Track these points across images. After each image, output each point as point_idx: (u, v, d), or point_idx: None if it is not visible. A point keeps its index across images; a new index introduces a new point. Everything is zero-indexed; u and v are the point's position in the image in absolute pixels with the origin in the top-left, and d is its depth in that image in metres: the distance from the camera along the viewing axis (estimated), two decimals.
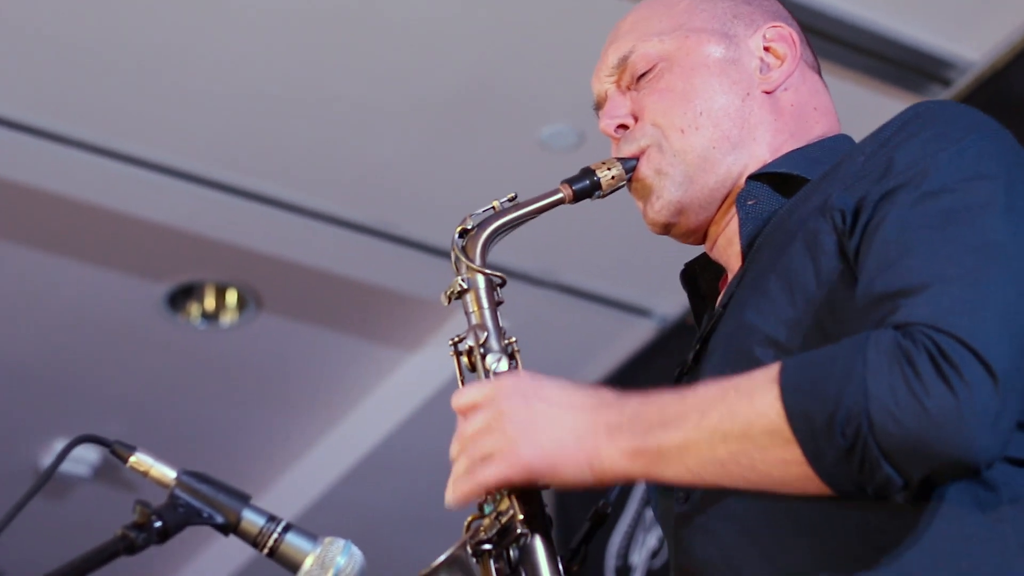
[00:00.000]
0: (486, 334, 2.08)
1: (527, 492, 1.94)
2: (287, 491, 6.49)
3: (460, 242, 2.15)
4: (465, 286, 2.12)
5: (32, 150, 4.86)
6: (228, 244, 5.38)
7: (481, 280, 2.12)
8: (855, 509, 1.79)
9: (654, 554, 5.25)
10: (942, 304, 1.73)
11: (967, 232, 1.80)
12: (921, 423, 1.67)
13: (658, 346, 5.74)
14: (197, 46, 4.62)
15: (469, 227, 2.16)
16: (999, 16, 4.54)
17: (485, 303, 2.11)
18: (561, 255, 5.38)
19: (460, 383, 2.09)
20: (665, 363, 5.64)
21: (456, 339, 2.11)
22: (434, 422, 5.93)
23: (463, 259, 2.13)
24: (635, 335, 5.80)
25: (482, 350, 2.07)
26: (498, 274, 2.13)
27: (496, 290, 2.13)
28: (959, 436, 1.67)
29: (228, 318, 5.83)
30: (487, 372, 2.06)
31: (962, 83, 4.67)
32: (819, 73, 2.30)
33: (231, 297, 5.80)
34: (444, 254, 5.21)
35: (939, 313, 1.72)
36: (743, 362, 1.90)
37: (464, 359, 2.09)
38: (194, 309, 5.80)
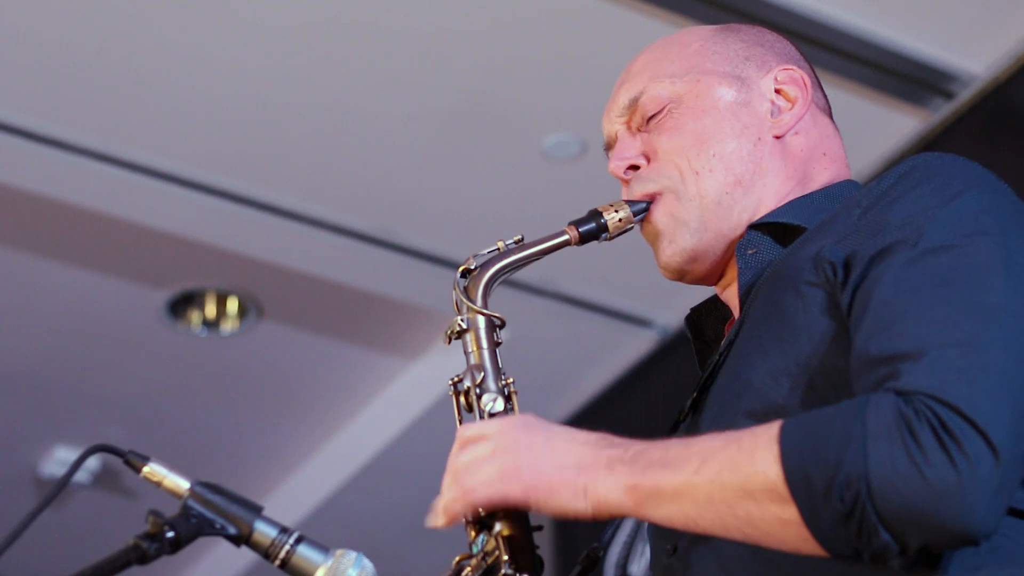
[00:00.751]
0: (483, 375, 2.09)
1: (516, 534, 1.95)
2: (287, 499, 6.48)
3: (462, 282, 2.16)
4: (465, 326, 2.12)
5: (34, 156, 4.86)
6: (229, 252, 5.38)
7: (481, 321, 2.13)
8: (847, 566, 1.78)
9: None
10: (942, 373, 1.72)
11: (965, 293, 1.79)
12: (921, 493, 1.67)
13: (659, 357, 5.73)
14: (200, 54, 4.62)
15: (472, 267, 2.17)
16: (1003, 29, 4.54)
17: (484, 344, 2.12)
18: (562, 265, 5.36)
19: (458, 423, 2.09)
20: (666, 374, 5.64)
21: (455, 379, 2.12)
22: (435, 430, 5.93)
23: (464, 300, 2.14)
24: (636, 345, 5.80)
25: (478, 390, 2.08)
26: (498, 316, 2.13)
27: (496, 331, 2.13)
28: (959, 509, 1.67)
29: (229, 326, 5.83)
30: (482, 412, 2.07)
31: (965, 96, 4.67)
32: (830, 115, 2.29)
33: (232, 305, 5.80)
34: (446, 263, 5.28)
35: (939, 383, 1.71)
36: (735, 416, 1.91)
37: (462, 399, 2.10)
38: (195, 317, 5.80)
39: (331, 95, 4.77)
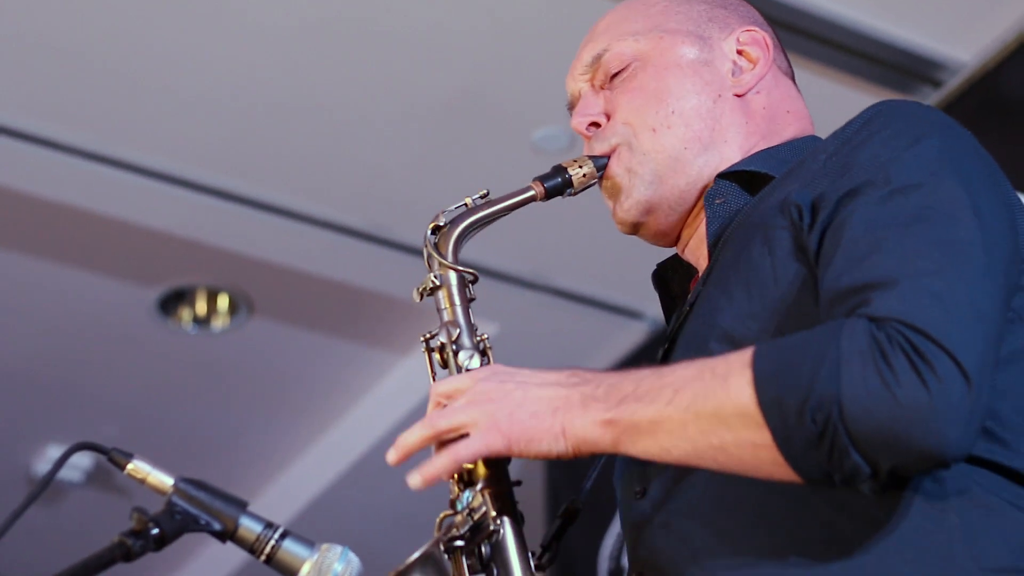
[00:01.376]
0: (458, 331, 2.10)
1: (499, 488, 1.96)
2: (280, 495, 6.48)
3: (432, 239, 2.17)
4: (437, 283, 2.13)
5: (23, 155, 4.86)
6: (220, 249, 5.38)
7: (453, 277, 2.13)
8: (816, 502, 1.81)
9: None
10: (914, 300, 1.74)
11: (934, 228, 1.81)
12: (893, 414, 1.69)
13: (650, 349, 5.73)
14: (190, 52, 4.62)
15: (441, 224, 2.18)
16: (990, 17, 4.55)
17: (457, 300, 2.12)
18: (553, 258, 5.38)
19: (432, 379, 2.10)
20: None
21: (428, 335, 2.13)
22: None
23: (435, 255, 2.14)
24: (627, 338, 5.80)
25: (454, 347, 2.09)
26: (470, 271, 2.14)
27: (468, 287, 2.14)
28: (931, 429, 1.69)
29: (220, 323, 5.83)
30: (459, 368, 2.07)
31: (953, 84, 4.68)
32: (793, 79, 2.30)
33: (223, 302, 5.79)
34: None
35: (912, 309, 1.73)
36: (701, 354, 1.91)
37: (436, 356, 2.11)
38: (186, 314, 5.80)
39: (321, 92, 4.77)
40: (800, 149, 2.15)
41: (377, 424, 6.17)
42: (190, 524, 1.89)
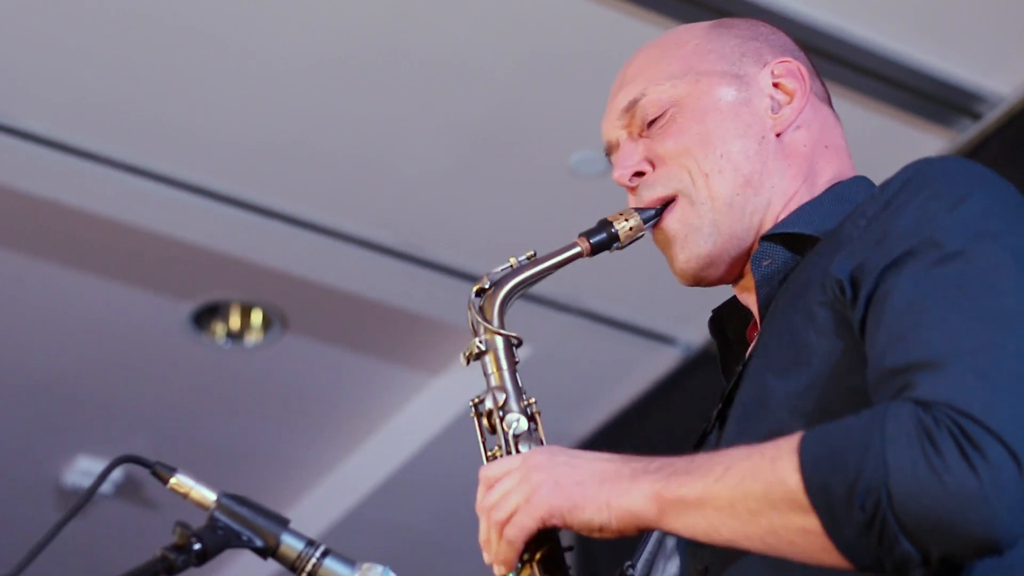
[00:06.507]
0: (504, 396, 2.08)
1: (552, 557, 1.95)
2: (309, 511, 6.48)
3: (477, 302, 2.15)
4: (483, 348, 2.11)
5: (61, 167, 4.88)
6: (254, 264, 5.39)
7: (500, 341, 2.12)
8: None
9: None
10: (959, 381, 1.71)
11: (977, 299, 1.78)
12: (942, 502, 1.66)
13: (682, 375, 5.73)
14: (228, 66, 4.64)
15: (486, 286, 2.15)
16: None
17: (504, 364, 2.11)
18: (586, 281, 5.38)
19: (481, 445, 2.10)
20: (689, 392, 5.64)
21: (476, 400, 2.11)
22: (457, 445, 5.93)
23: (481, 321, 2.12)
24: (659, 363, 5.79)
25: (501, 412, 2.07)
26: (515, 336, 2.12)
27: (514, 350, 2.12)
28: (982, 516, 1.66)
29: (253, 338, 5.84)
30: (506, 433, 2.06)
31: (992, 117, 4.67)
32: (830, 103, 2.28)
33: (256, 317, 5.81)
34: (472, 279, 5.23)
35: (957, 392, 1.71)
36: (753, 430, 1.91)
37: (484, 421, 2.10)
38: (219, 328, 5.81)
39: (359, 110, 4.78)
40: (843, 197, 2.13)
41: (407, 444, 6.17)
42: (232, 540, 1.89)
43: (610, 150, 2.26)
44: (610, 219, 2.19)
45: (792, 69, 2.22)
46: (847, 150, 2.25)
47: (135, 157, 4.91)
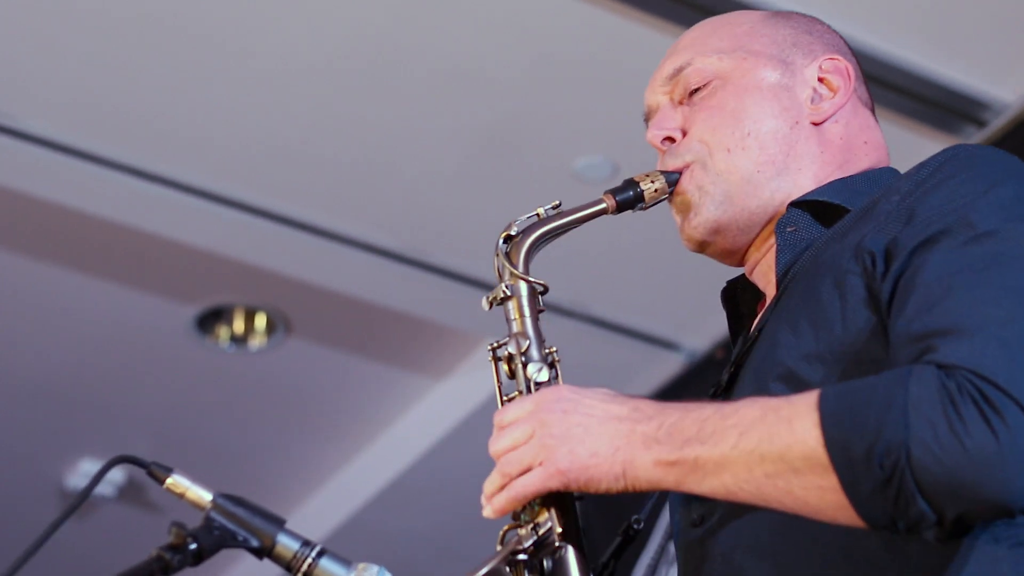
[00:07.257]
0: (528, 342, 2.09)
1: (564, 504, 1.97)
2: (312, 515, 6.49)
3: (504, 247, 2.16)
4: (508, 293, 2.12)
5: (65, 169, 4.88)
6: (258, 268, 5.39)
7: (524, 287, 2.13)
8: (872, 546, 1.81)
9: None
10: (983, 349, 1.74)
11: (1006, 276, 1.81)
12: (961, 462, 1.68)
13: (686, 380, 5.72)
14: (233, 69, 4.64)
15: (513, 233, 2.16)
16: None
17: (527, 311, 2.12)
18: (591, 287, 5.38)
19: (497, 388, 2.11)
20: (693, 398, 5.62)
21: (495, 344, 2.13)
22: (461, 450, 5.93)
23: (507, 265, 2.13)
24: (663, 369, 5.79)
25: (523, 358, 2.08)
26: (541, 282, 2.13)
27: (538, 298, 2.13)
28: (999, 479, 1.68)
29: (257, 342, 5.85)
30: (528, 380, 2.07)
31: (997, 124, 4.67)
32: (873, 111, 2.31)
33: (260, 321, 5.81)
34: (475, 283, 5.27)
35: (980, 358, 1.73)
36: (764, 387, 1.93)
37: (504, 366, 2.11)
38: (223, 332, 5.82)
39: (364, 114, 4.78)
40: (876, 181, 2.16)
41: (410, 448, 6.18)
42: (228, 540, 1.89)
43: (649, 115, 2.29)
44: (636, 179, 2.21)
45: (840, 67, 2.25)
46: (886, 150, 2.28)
47: (140, 160, 4.91)
